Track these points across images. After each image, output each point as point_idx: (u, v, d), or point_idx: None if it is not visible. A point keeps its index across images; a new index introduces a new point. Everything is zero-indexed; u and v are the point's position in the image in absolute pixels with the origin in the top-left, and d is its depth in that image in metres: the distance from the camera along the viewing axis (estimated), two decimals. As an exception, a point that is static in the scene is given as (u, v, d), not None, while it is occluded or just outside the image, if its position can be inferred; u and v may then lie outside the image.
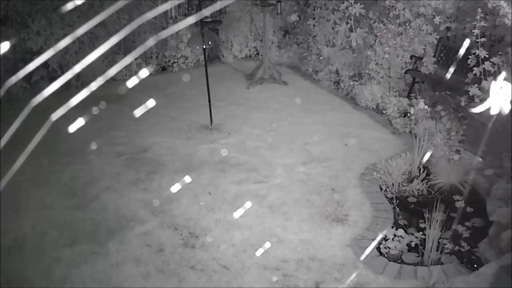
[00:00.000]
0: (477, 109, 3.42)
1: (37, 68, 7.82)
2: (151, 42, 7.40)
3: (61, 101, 2.76)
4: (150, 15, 6.87)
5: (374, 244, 4.13)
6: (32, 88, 7.62)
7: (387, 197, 4.89)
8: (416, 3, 6.94)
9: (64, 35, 8.12)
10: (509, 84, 2.90)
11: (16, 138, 2.62)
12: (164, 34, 7.35)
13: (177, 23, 9.08)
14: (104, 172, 5.47)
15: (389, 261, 3.97)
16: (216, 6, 7.71)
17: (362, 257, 3.99)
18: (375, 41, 7.27)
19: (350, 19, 7.78)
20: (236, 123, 6.76)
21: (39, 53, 7.95)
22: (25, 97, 7.13)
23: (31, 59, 7.89)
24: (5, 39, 7.74)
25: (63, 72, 7.97)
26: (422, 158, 5.25)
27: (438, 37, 6.87)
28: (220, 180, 5.26)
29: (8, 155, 2.87)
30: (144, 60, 8.78)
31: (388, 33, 7.01)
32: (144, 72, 8.17)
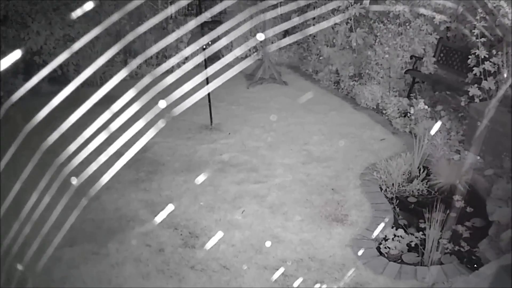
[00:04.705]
0: None
1: (37, 69, 7.83)
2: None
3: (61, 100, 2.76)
4: (153, 20, 6.84)
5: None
6: (32, 88, 7.61)
7: (387, 197, 4.89)
8: (416, 3, 6.95)
9: (64, 35, 8.12)
10: None
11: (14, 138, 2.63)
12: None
13: (177, 23, 9.11)
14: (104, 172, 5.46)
15: (389, 261, 3.97)
16: (216, 9, 7.69)
17: (360, 255, 4.00)
18: (375, 41, 7.28)
19: (350, 19, 7.78)
20: (236, 123, 6.76)
21: (39, 53, 7.95)
22: (25, 97, 7.12)
23: (31, 59, 7.90)
24: (5, 39, 7.74)
25: (63, 73, 7.98)
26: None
27: (438, 37, 6.88)
28: (220, 180, 5.26)
29: (6, 153, 2.87)
30: (144, 60, 8.78)
31: (388, 33, 7.02)
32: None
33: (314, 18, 8.49)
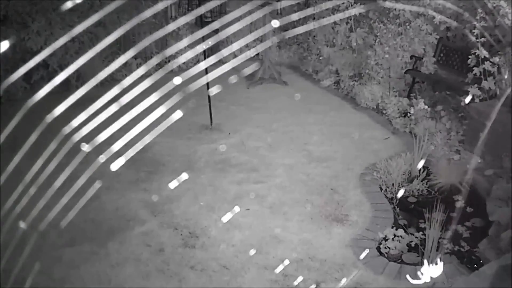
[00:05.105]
0: None
1: (37, 68, 7.83)
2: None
3: (60, 100, 2.74)
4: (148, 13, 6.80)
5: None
6: (32, 88, 7.63)
7: (387, 197, 4.89)
8: (416, 3, 6.95)
9: (64, 35, 8.11)
10: None
11: (13, 138, 2.62)
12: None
13: (178, 23, 9.09)
14: (104, 172, 5.46)
15: (389, 261, 3.97)
16: (211, 4, 7.63)
17: (360, 255, 4.00)
18: (375, 41, 7.27)
19: (350, 19, 7.78)
20: (236, 123, 6.76)
21: (39, 53, 7.96)
22: (25, 97, 7.12)
23: (31, 59, 7.90)
24: (5, 39, 7.74)
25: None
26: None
27: (438, 37, 6.87)
28: (220, 180, 5.26)
29: (6, 154, 2.87)
30: (144, 60, 8.77)
31: (388, 33, 7.02)
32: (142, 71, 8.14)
33: (314, 18, 8.49)
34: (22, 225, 2.58)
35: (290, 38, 9.70)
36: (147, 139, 2.53)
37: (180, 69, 9.05)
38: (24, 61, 7.80)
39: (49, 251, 4.16)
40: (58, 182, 2.43)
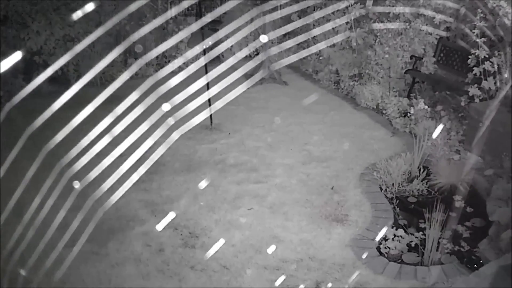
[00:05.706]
0: None
1: (37, 69, 7.83)
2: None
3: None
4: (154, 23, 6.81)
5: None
6: (33, 88, 7.61)
7: (387, 197, 4.89)
8: (416, 3, 6.95)
9: (64, 35, 8.12)
10: None
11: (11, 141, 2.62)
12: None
13: (178, 23, 9.10)
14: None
15: (389, 261, 3.97)
16: (216, 13, 7.70)
17: (360, 255, 4.00)
18: (375, 41, 7.27)
19: (350, 19, 7.78)
20: (236, 123, 6.76)
21: (39, 53, 7.96)
22: (25, 98, 7.11)
23: (31, 59, 7.90)
24: (5, 39, 7.74)
25: (63, 72, 7.98)
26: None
27: (438, 37, 6.88)
28: (220, 180, 5.26)
29: (5, 155, 2.88)
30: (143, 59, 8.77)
31: (388, 33, 7.02)
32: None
33: (316, 20, 8.50)
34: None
35: (290, 38, 9.69)
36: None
37: (181, 69, 9.05)
38: (24, 61, 7.81)
39: (49, 251, 4.16)
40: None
